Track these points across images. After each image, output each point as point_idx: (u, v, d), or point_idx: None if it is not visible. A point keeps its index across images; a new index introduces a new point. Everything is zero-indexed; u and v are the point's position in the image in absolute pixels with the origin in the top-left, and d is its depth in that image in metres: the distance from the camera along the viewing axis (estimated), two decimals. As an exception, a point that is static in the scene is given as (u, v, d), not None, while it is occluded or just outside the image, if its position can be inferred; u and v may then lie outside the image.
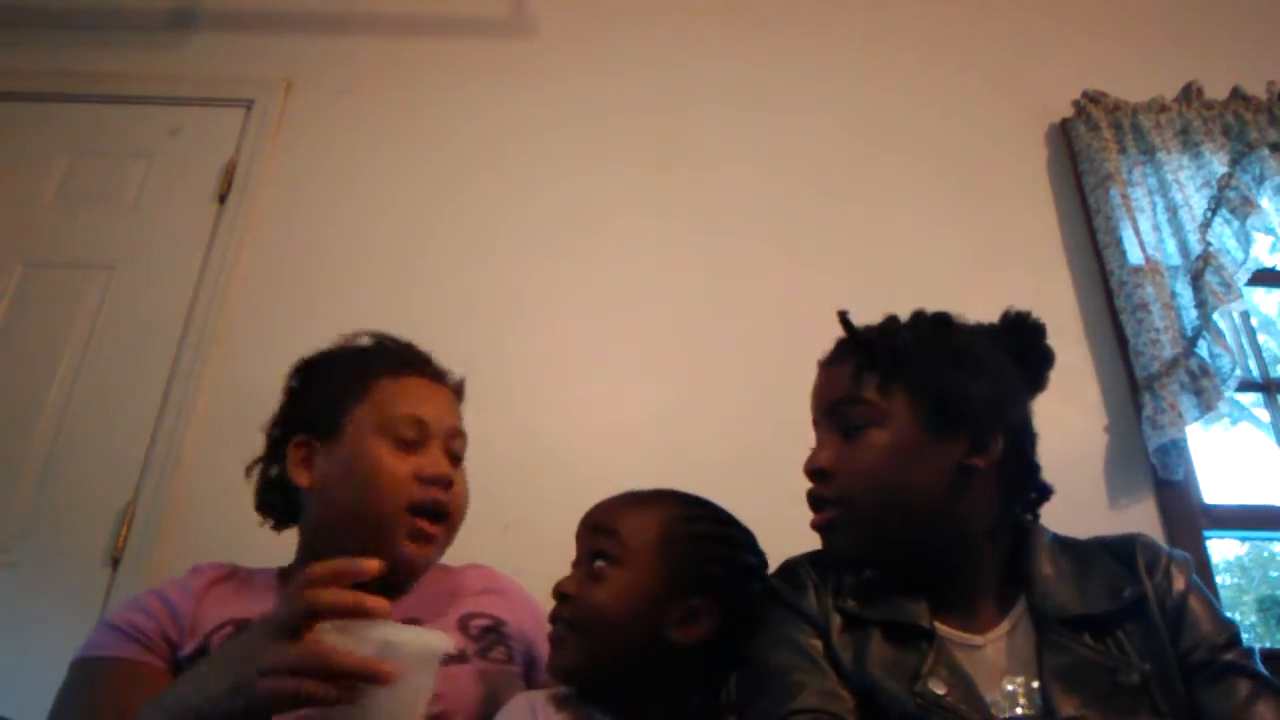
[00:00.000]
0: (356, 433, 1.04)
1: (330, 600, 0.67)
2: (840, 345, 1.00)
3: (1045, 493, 0.98)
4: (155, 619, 0.97)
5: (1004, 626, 0.87)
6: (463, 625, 1.06)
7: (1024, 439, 0.96)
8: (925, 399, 0.91)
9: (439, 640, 0.72)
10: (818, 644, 0.88)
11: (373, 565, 0.71)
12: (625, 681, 0.92)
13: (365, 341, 1.18)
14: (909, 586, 0.89)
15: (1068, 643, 0.83)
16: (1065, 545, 0.94)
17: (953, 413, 0.90)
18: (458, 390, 1.19)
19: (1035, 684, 0.82)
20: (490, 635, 1.07)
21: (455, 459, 1.10)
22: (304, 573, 0.70)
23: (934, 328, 0.97)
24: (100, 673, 0.94)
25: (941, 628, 0.87)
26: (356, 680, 0.65)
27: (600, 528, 0.96)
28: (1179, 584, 0.87)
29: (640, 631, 0.92)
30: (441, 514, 1.05)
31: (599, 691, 0.92)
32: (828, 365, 1.00)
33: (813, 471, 0.95)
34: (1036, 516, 0.98)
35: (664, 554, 0.94)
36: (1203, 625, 0.85)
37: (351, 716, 0.66)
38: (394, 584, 1.04)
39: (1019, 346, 0.98)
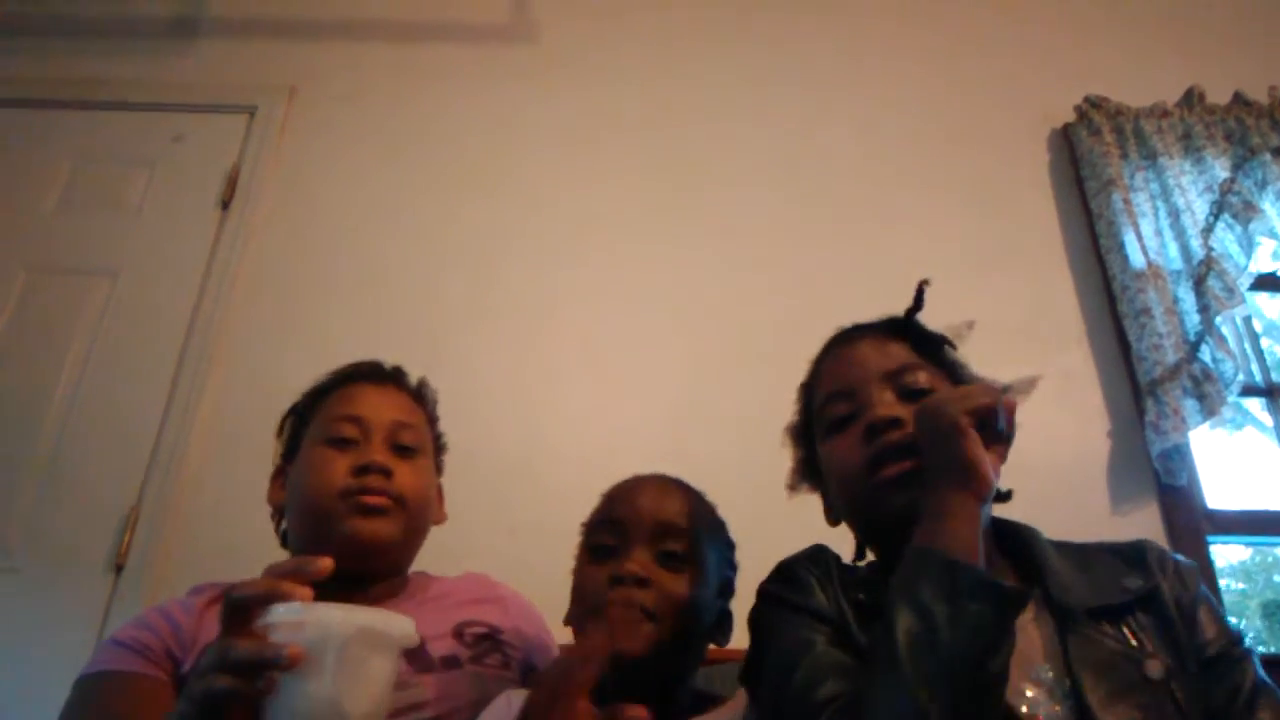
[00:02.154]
0: (306, 447, 1.11)
1: (244, 590, 0.67)
2: (872, 326, 1.01)
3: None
4: (159, 634, 0.98)
5: (1025, 616, 0.86)
6: (458, 633, 1.07)
7: None
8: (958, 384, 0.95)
9: (365, 617, 0.67)
10: (831, 636, 0.87)
11: (326, 563, 0.70)
12: (662, 677, 0.92)
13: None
14: None
15: (1091, 634, 0.83)
16: (1061, 546, 0.94)
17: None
18: (416, 392, 1.22)
19: (1050, 673, 0.81)
20: (485, 642, 1.08)
21: (403, 449, 1.12)
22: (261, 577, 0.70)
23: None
24: (105, 688, 0.94)
25: None
26: (261, 669, 0.63)
27: (671, 525, 0.96)
28: (1192, 588, 0.88)
29: (700, 629, 0.95)
30: (380, 493, 1.07)
31: (624, 683, 0.91)
32: (874, 337, 0.99)
33: (890, 420, 0.90)
34: None
35: (714, 558, 0.98)
36: (1208, 629, 0.85)
37: (283, 708, 0.64)
38: (365, 573, 1.07)
39: None
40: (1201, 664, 0.83)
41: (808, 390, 1.05)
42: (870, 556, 0.98)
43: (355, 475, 1.05)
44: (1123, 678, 0.79)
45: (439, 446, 1.23)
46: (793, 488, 1.04)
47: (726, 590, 1.00)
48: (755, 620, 0.94)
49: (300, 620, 0.65)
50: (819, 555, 0.96)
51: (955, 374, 0.98)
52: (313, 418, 1.13)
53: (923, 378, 0.93)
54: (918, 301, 1.01)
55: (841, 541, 0.98)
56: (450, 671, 1.00)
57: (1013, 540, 0.94)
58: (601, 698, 0.92)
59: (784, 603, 0.91)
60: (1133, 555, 0.91)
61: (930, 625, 0.72)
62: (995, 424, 0.81)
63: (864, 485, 0.90)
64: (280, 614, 0.65)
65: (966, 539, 0.76)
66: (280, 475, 1.16)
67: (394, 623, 0.69)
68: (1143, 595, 0.86)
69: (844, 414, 0.94)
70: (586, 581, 0.95)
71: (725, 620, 1.00)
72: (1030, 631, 0.85)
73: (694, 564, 0.94)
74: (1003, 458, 0.84)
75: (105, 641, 1.00)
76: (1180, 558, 0.91)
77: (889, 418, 0.90)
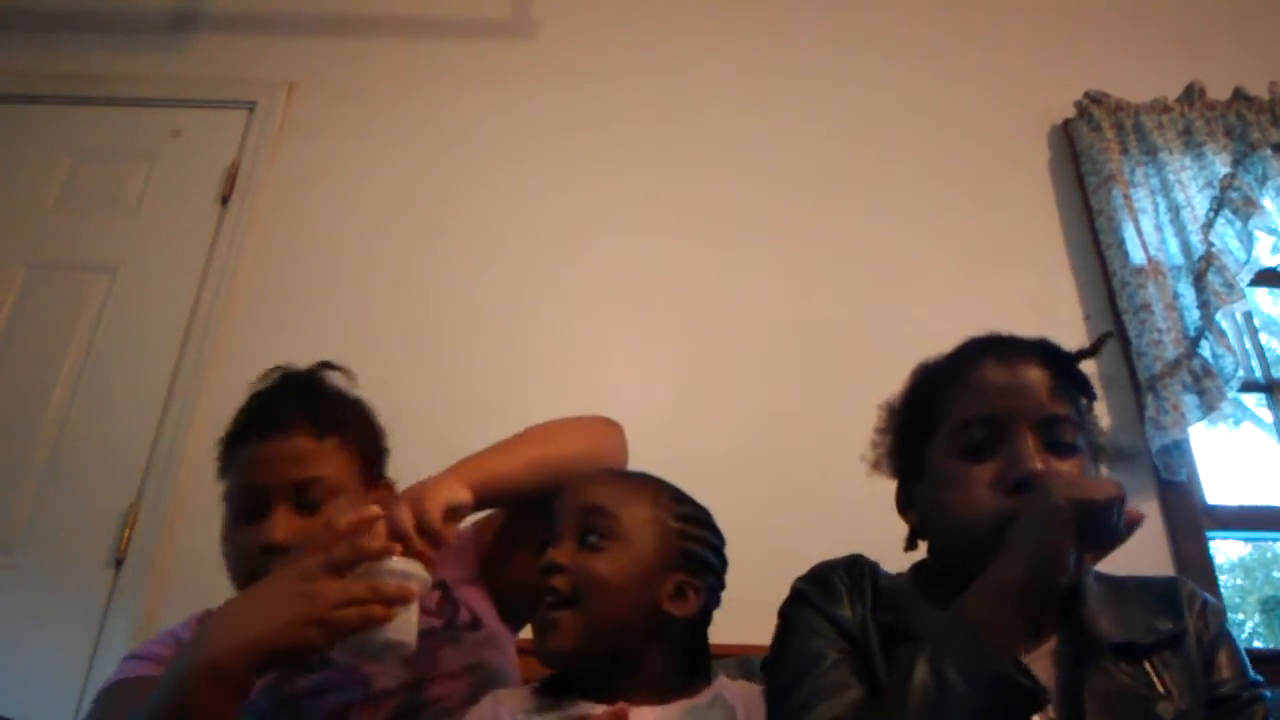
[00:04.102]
0: (225, 516, 1.11)
1: (379, 547, 0.83)
2: (1049, 357, 0.93)
3: None
4: (168, 646, 1.04)
5: (1050, 645, 0.85)
6: (422, 606, 1.07)
7: None
8: (1091, 444, 0.92)
9: (424, 571, 0.87)
10: (848, 650, 0.86)
11: (377, 511, 0.88)
12: (614, 660, 0.93)
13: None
14: (952, 598, 0.85)
15: (1109, 668, 0.82)
16: (1099, 577, 0.92)
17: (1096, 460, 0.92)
18: (318, 425, 1.10)
19: (1057, 698, 0.80)
20: (447, 605, 1.10)
21: (312, 507, 1.05)
22: (338, 525, 0.86)
23: None
24: (122, 693, 0.99)
25: None
26: (395, 603, 0.81)
27: (592, 507, 0.97)
28: (1215, 628, 0.88)
29: (638, 604, 0.94)
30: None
31: (584, 674, 0.93)
32: (1037, 367, 0.91)
33: (1029, 478, 0.84)
34: None
35: (655, 531, 0.98)
36: (1224, 670, 0.86)
37: (381, 631, 0.81)
38: None
39: None
40: (1210, 702, 0.83)
41: (934, 380, 0.97)
42: (916, 558, 0.96)
43: (261, 555, 1.01)
44: (1130, 714, 0.78)
45: (373, 456, 1.17)
46: (876, 466, 1.00)
47: (685, 561, 0.98)
48: (782, 615, 0.94)
49: (389, 571, 0.83)
50: (855, 566, 0.94)
51: (1087, 431, 0.93)
52: (226, 483, 1.10)
53: (1070, 433, 0.88)
54: (1096, 348, 0.95)
55: (850, 541, 0.98)
56: (428, 644, 1.00)
57: None
58: (583, 688, 0.93)
59: (810, 604, 0.91)
60: (1166, 594, 0.90)
61: (943, 695, 0.72)
62: (1103, 524, 0.76)
63: (987, 532, 0.83)
64: (401, 567, 0.84)
65: (1011, 624, 0.74)
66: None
67: (424, 571, 0.87)
68: (1170, 637, 0.85)
69: (981, 441, 0.88)
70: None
71: (687, 590, 0.98)
72: (1055, 658, 0.84)
73: (620, 540, 0.95)
74: (1096, 559, 0.81)
75: (121, 660, 1.06)
76: (1209, 598, 0.91)
77: (1030, 473, 0.84)
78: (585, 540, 0.96)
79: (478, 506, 0.99)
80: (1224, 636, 0.88)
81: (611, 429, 1.17)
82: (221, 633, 0.79)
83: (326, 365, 1.21)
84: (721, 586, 1.04)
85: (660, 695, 0.94)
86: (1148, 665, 0.83)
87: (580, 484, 1.01)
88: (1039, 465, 0.84)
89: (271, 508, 1.04)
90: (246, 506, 1.05)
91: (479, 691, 1.00)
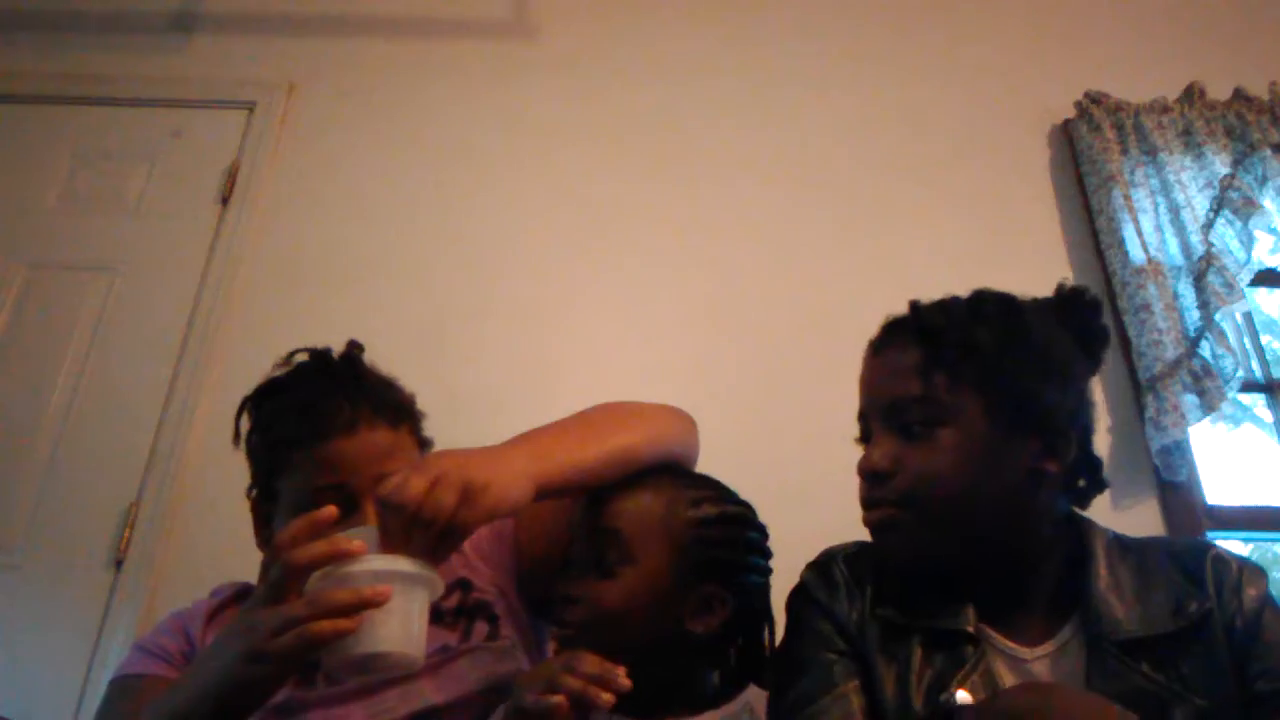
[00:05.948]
0: (285, 506, 1.03)
1: (308, 555, 0.72)
2: (894, 328, 0.91)
3: (1103, 487, 0.89)
4: (175, 638, 1.05)
5: (1053, 644, 0.82)
6: (436, 615, 1.01)
7: (1089, 435, 0.89)
8: (998, 396, 0.83)
9: (415, 565, 0.75)
10: (846, 653, 0.84)
11: (331, 511, 0.76)
12: (643, 677, 0.91)
13: (287, 377, 1.14)
14: (954, 592, 0.83)
15: (1119, 669, 0.76)
16: (1126, 548, 0.86)
17: (1028, 413, 0.83)
18: (393, 415, 1.08)
19: None
20: (463, 613, 1.04)
21: None
22: (275, 540, 0.75)
23: (1003, 315, 0.88)
24: (130, 688, 1.00)
25: (988, 631, 0.82)
26: (356, 609, 0.70)
27: (599, 529, 0.93)
28: (1251, 600, 0.80)
29: (657, 626, 0.90)
30: None
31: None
32: (881, 351, 0.90)
33: (869, 473, 0.85)
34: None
35: (670, 543, 0.92)
36: (1275, 651, 0.78)
37: (356, 643, 0.71)
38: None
39: (1077, 326, 0.91)
40: (1257, 697, 0.76)
41: None
42: None
43: None
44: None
45: (421, 436, 1.16)
46: None
47: (709, 571, 0.93)
48: (787, 608, 0.92)
49: (355, 573, 0.72)
50: (857, 555, 0.91)
51: (990, 371, 0.84)
52: (284, 469, 1.04)
53: (920, 412, 0.83)
54: (917, 318, 0.92)
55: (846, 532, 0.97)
56: (446, 664, 0.98)
57: (1071, 542, 0.87)
58: (617, 705, 0.92)
59: (811, 599, 0.89)
60: (1193, 567, 0.83)
61: None
62: None
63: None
64: (366, 566, 0.72)
65: None
66: (263, 514, 1.09)
67: (421, 567, 0.76)
68: (1194, 622, 0.79)
69: (862, 433, 0.90)
70: None
71: (713, 602, 0.93)
72: (1049, 661, 0.80)
73: (631, 563, 0.90)
74: None
75: (133, 646, 1.07)
76: (1246, 563, 0.84)
77: (868, 470, 0.85)
78: (599, 566, 0.92)
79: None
80: (1261, 612, 0.80)
81: (685, 419, 1.10)
82: (187, 683, 0.78)
83: (354, 345, 1.19)
84: (763, 582, 0.99)
85: (695, 706, 0.91)
86: (1163, 660, 0.77)
87: (594, 503, 0.96)
88: (865, 462, 0.85)
89: (359, 507, 0.98)
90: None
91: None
